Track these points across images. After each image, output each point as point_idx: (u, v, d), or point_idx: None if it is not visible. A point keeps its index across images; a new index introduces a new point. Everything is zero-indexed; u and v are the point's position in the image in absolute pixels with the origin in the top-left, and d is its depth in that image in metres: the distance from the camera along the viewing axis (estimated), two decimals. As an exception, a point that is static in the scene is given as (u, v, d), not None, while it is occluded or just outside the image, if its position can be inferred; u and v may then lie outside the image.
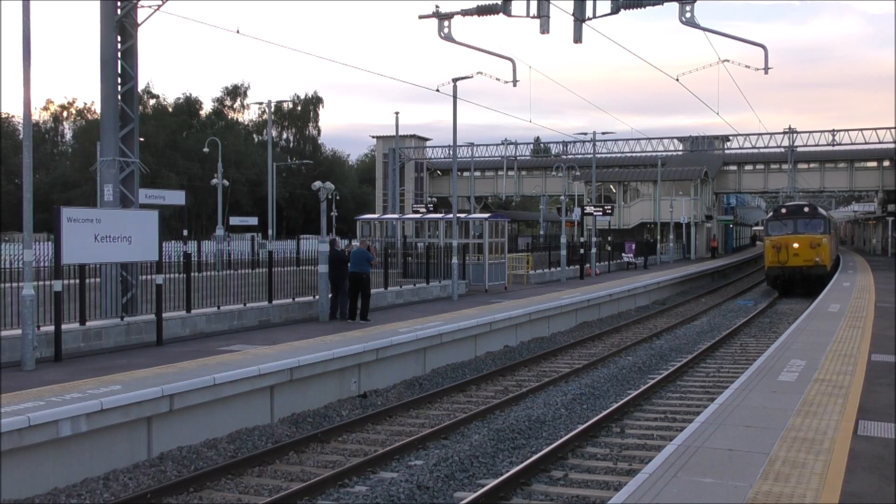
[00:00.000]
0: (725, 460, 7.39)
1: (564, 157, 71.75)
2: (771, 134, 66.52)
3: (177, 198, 33.45)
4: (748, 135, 67.81)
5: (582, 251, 40.54)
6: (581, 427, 12.02)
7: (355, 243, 24.32)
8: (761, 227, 56.35)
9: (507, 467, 10.45)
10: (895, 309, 20.60)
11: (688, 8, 19.77)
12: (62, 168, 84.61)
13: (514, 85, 25.41)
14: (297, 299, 20.11)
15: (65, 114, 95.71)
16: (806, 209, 34.89)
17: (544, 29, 19.43)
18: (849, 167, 69.51)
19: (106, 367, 12.64)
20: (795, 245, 33.53)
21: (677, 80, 27.07)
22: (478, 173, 75.19)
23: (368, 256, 19.79)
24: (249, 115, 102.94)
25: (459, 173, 63.07)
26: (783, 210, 35.68)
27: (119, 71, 16.53)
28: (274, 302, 19.35)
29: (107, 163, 16.29)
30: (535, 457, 10.42)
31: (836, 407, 9.47)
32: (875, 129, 62.85)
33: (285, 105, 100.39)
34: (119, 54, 16.50)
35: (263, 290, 19.51)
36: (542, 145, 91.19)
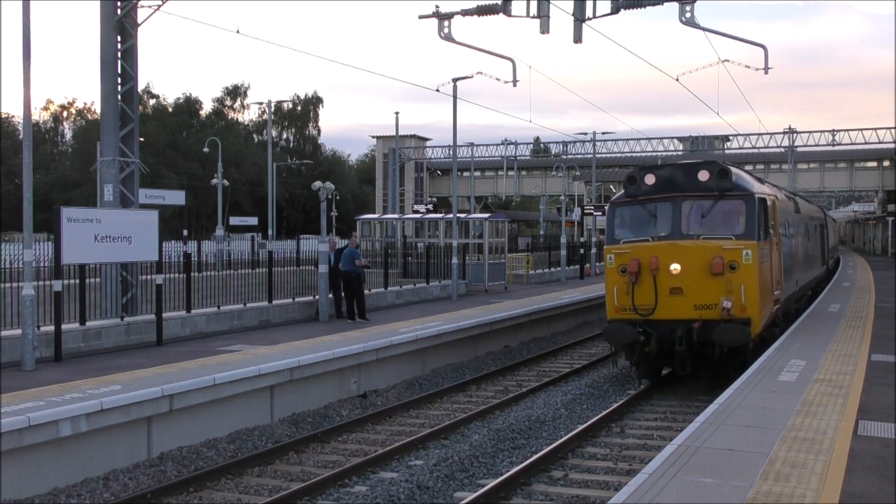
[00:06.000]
0: (725, 460, 7.38)
1: (564, 157, 71.79)
2: (771, 134, 66.58)
3: (177, 198, 33.47)
4: (748, 135, 67.90)
5: (582, 251, 40.54)
6: (581, 427, 12.02)
7: (345, 242, 24.33)
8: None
9: (507, 467, 10.45)
10: (895, 309, 20.59)
11: (688, 8, 19.75)
12: (62, 168, 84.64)
13: (514, 85, 25.40)
14: (297, 299, 20.10)
15: (65, 114, 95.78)
16: (703, 174, 14.15)
17: (544, 29, 19.42)
18: (849, 167, 69.59)
19: (106, 367, 12.63)
20: (674, 268, 13.70)
21: (677, 80, 27.05)
22: (478, 173, 75.23)
23: (356, 255, 19.74)
24: (249, 115, 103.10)
25: (459, 173, 63.06)
26: (649, 179, 14.56)
27: (119, 71, 16.53)
28: (274, 302, 19.35)
29: (107, 163, 16.29)
30: (535, 457, 10.42)
31: (836, 407, 9.46)
32: (875, 129, 62.90)
33: (285, 105, 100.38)
34: (119, 54, 16.50)
35: (263, 290, 19.51)
36: (542, 145, 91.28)
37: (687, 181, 14.30)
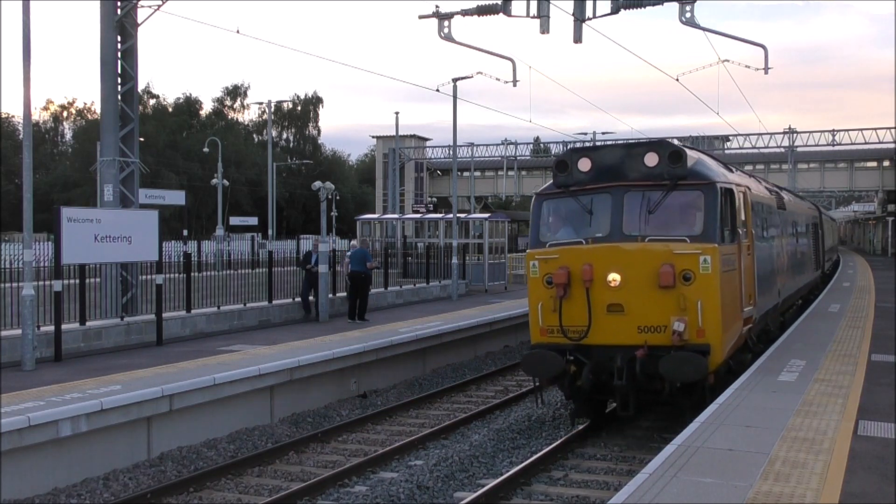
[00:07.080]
0: (725, 460, 7.38)
1: (564, 157, 71.60)
2: (771, 134, 66.50)
3: (177, 198, 33.50)
4: (748, 135, 67.80)
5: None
6: (581, 426, 12.01)
7: (354, 243, 24.40)
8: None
9: (507, 467, 10.46)
10: (895, 309, 20.59)
11: (688, 8, 19.74)
12: (62, 168, 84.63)
13: (515, 85, 25.39)
14: (296, 299, 20.10)
15: (65, 114, 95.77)
16: (650, 157, 11.06)
17: (544, 29, 19.41)
18: (849, 167, 69.54)
19: (106, 367, 12.63)
20: (612, 279, 10.68)
21: (677, 80, 27.03)
22: (478, 173, 75.17)
23: (368, 256, 19.77)
24: (249, 115, 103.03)
25: (459, 173, 63.05)
26: (583, 164, 11.43)
27: (119, 71, 16.54)
28: (274, 302, 19.35)
29: (107, 163, 16.29)
30: (535, 457, 10.43)
31: (836, 407, 9.46)
32: (875, 129, 62.76)
33: (285, 105, 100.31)
34: (119, 54, 16.51)
35: (263, 290, 19.52)
36: (542, 145, 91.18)
37: (631, 167, 11.18)
